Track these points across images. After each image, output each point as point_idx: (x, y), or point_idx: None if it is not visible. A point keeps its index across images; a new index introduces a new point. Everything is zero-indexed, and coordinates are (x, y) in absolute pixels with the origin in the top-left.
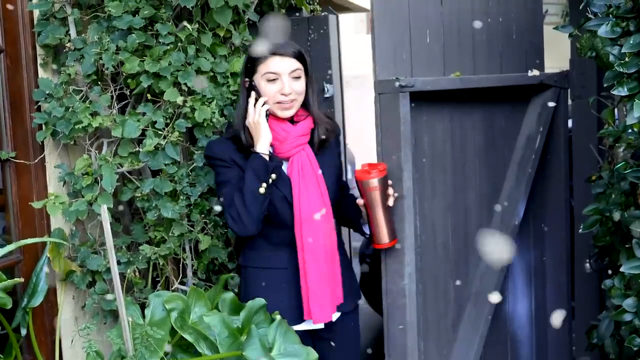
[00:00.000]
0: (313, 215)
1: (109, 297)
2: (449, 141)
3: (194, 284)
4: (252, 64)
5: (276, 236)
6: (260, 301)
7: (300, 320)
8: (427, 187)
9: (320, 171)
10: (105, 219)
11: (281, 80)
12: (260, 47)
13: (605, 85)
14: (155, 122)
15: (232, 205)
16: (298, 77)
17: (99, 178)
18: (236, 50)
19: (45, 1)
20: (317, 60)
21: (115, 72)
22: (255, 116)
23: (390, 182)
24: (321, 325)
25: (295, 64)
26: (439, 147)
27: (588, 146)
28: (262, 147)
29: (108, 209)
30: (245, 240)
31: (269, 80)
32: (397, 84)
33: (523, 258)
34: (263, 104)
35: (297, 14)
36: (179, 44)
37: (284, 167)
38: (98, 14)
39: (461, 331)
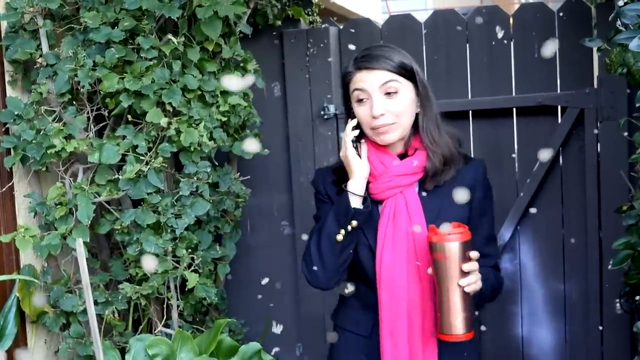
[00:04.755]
0: (394, 275)
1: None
2: None
3: (179, 327)
4: (344, 83)
5: (364, 293)
6: (255, 346)
7: None
8: None
9: (417, 225)
10: (81, 254)
11: (371, 99)
12: (351, 61)
13: (637, 105)
14: (137, 146)
15: (308, 249)
16: (394, 93)
17: (73, 209)
18: (226, 66)
19: (14, 11)
20: (316, 78)
21: (92, 90)
22: (342, 147)
23: (473, 254)
24: None
25: (387, 76)
26: None
27: (618, 173)
28: (354, 184)
29: (84, 243)
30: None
31: (359, 101)
32: (338, 112)
33: (551, 287)
34: (353, 130)
35: (294, 26)
36: (163, 59)
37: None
38: (73, 25)
39: None
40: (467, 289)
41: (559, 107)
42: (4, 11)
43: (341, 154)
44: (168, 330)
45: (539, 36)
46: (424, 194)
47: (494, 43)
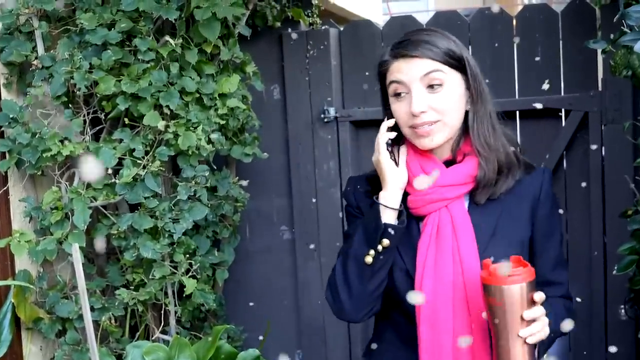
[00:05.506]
0: (436, 306)
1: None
2: None
3: (177, 333)
4: (380, 74)
5: (403, 326)
6: (253, 352)
7: None
8: None
9: (470, 246)
10: (77, 259)
11: (410, 93)
12: (387, 48)
13: None
14: (134, 149)
15: (333, 273)
16: (437, 85)
17: (69, 213)
18: (225, 68)
19: (9, 13)
20: (316, 80)
21: (89, 93)
22: (375, 151)
23: (538, 296)
24: None
25: (430, 65)
26: None
27: (622, 177)
28: (387, 195)
29: (80, 248)
30: (376, 325)
31: (396, 95)
32: (338, 115)
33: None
34: (388, 132)
35: (294, 27)
36: (161, 62)
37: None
38: (69, 27)
39: None
40: (530, 340)
41: (563, 110)
42: None
43: (373, 158)
44: (165, 337)
45: (542, 38)
46: (474, 208)
47: (496, 45)
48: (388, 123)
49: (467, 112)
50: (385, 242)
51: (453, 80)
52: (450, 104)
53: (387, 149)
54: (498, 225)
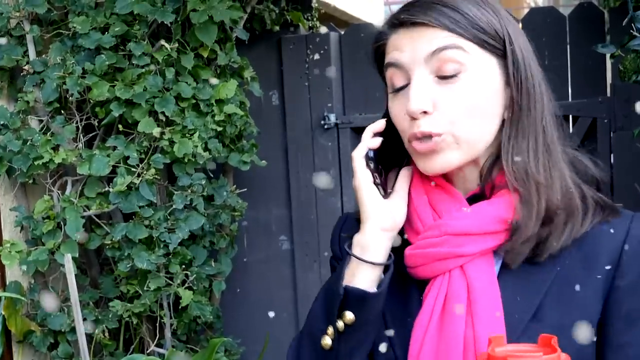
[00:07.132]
0: None
1: None
2: None
3: (172, 347)
4: (377, 57)
5: None
6: None
7: None
8: None
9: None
10: (70, 270)
11: (410, 83)
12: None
13: None
14: (128, 157)
15: (288, 354)
16: (453, 72)
17: (62, 223)
18: (222, 73)
19: (0, 16)
20: (316, 86)
21: (82, 99)
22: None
23: None
24: None
25: (444, 39)
26: None
27: (632, 185)
28: (363, 241)
29: (73, 258)
30: None
31: (393, 90)
32: (339, 121)
33: None
34: (373, 138)
35: (293, 31)
36: (156, 67)
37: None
38: (61, 31)
39: None
40: None
41: (570, 117)
42: None
43: (353, 182)
44: (161, 350)
45: (549, 42)
46: (507, 273)
47: None
48: (374, 127)
49: (503, 122)
50: (349, 316)
51: (482, 66)
52: (472, 104)
53: (368, 167)
54: (544, 304)
